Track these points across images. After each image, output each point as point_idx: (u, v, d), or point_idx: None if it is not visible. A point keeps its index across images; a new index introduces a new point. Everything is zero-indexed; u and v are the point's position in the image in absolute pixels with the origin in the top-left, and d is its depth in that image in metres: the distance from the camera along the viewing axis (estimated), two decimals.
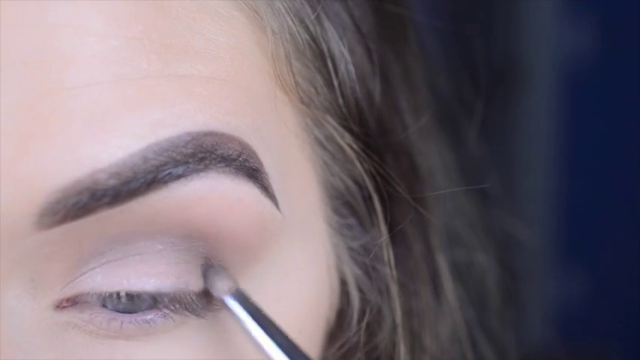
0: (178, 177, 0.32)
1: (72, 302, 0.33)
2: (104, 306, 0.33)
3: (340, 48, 0.38)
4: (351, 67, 0.38)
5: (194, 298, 0.34)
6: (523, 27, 1.88)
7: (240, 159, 0.33)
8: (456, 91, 0.51)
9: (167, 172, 0.32)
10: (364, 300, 0.40)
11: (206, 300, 0.34)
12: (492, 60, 1.87)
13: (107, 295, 0.33)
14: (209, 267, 0.34)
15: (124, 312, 0.33)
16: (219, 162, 0.33)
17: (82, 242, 0.32)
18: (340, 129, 0.39)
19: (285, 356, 0.33)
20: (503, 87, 1.87)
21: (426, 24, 0.49)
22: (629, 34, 1.82)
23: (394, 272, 0.40)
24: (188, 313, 0.34)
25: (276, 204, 0.35)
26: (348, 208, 0.40)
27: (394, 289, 0.40)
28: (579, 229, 1.87)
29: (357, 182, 0.40)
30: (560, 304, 1.87)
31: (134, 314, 0.34)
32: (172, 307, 0.34)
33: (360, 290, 0.40)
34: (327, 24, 0.38)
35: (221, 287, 0.34)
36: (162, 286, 0.34)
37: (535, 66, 1.88)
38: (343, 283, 0.40)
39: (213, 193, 0.33)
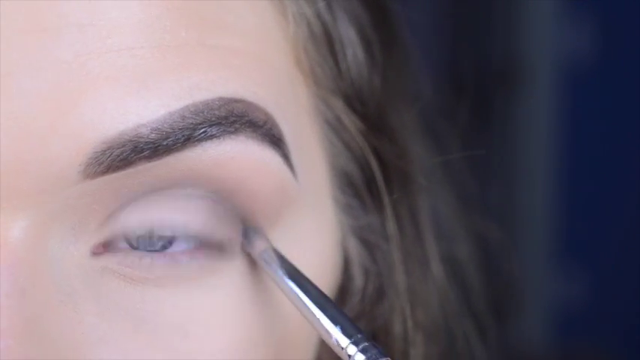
0: (212, 136, 0.35)
1: (105, 246, 0.36)
2: (132, 246, 0.36)
3: (349, 34, 0.41)
4: (359, 51, 0.42)
5: (219, 241, 0.37)
6: (523, 27, 1.89)
7: (266, 127, 0.36)
8: (449, 85, 0.52)
9: (202, 130, 0.35)
10: (366, 276, 0.42)
11: (231, 244, 0.37)
12: (492, 60, 1.87)
13: (138, 233, 0.36)
14: (246, 229, 0.37)
15: (152, 251, 0.36)
16: (248, 127, 0.36)
17: (120, 193, 0.35)
18: (346, 109, 0.41)
19: (318, 309, 0.36)
20: (503, 86, 1.87)
21: (426, 23, 0.51)
22: (629, 34, 1.82)
23: (398, 247, 0.42)
24: (215, 253, 0.37)
25: (295, 174, 0.38)
26: (351, 187, 0.42)
27: (398, 262, 0.42)
28: (579, 229, 1.87)
29: (359, 163, 0.42)
30: (560, 303, 1.88)
31: (163, 252, 0.36)
32: (200, 247, 0.36)
33: (362, 267, 0.42)
34: (337, 12, 0.41)
35: (259, 246, 0.37)
36: (191, 223, 0.36)
37: (535, 66, 1.88)
38: (346, 259, 0.42)
39: (242, 155, 0.36)
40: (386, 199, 0.42)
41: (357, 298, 0.42)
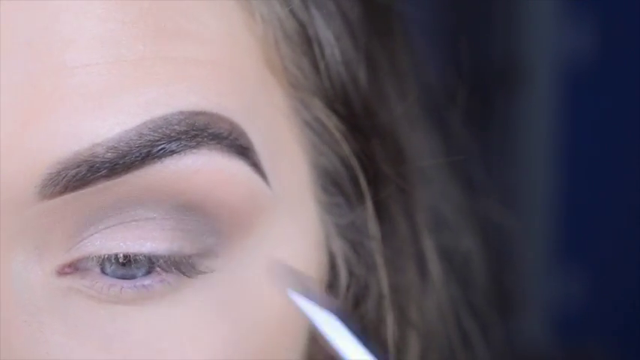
0: (171, 152, 0.34)
1: (73, 268, 0.35)
2: (104, 272, 0.35)
3: (326, 34, 0.40)
4: (337, 51, 0.40)
5: (188, 260, 0.36)
6: (523, 27, 1.89)
7: (231, 137, 0.35)
8: (449, 84, 0.52)
9: (161, 147, 0.34)
10: (351, 274, 0.42)
11: (199, 263, 0.36)
12: (492, 60, 1.87)
13: (105, 257, 0.35)
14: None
15: (122, 278, 0.35)
16: (211, 139, 0.35)
17: (81, 211, 0.34)
18: (327, 110, 0.40)
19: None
20: (503, 86, 1.87)
21: (425, 23, 0.50)
22: (629, 34, 1.82)
23: (381, 246, 0.42)
24: (183, 276, 0.36)
25: (267, 181, 0.37)
26: (336, 186, 0.42)
27: (380, 261, 0.42)
28: (579, 228, 1.87)
29: (343, 162, 0.41)
30: (560, 303, 1.88)
31: (133, 280, 0.36)
32: (167, 270, 0.36)
33: (347, 265, 0.42)
34: (314, 10, 0.40)
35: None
36: (158, 249, 0.36)
37: (535, 66, 1.88)
38: (331, 259, 0.42)
39: (206, 168, 0.35)
40: (369, 200, 0.41)
41: (342, 297, 0.42)
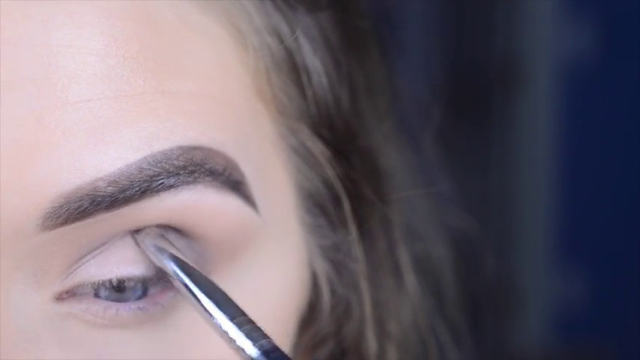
0: (169, 187, 0.35)
1: (71, 294, 0.36)
2: (98, 297, 0.36)
3: (313, 61, 0.41)
4: (324, 79, 0.41)
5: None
6: (523, 27, 1.89)
7: (226, 173, 0.36)
8: (451, 90, 0.52)
9: (160, 182, 0.35)
10: (334, 293, 0.43)
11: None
12: (492, 60, 1.88)
13: (100, 282, 0.36)
14: (142, 235, 0.37)
15: (117, 302, 0.36)
16: (207, 175, 0.36)
17: (79, 240, 0.35)
18: (312, 136, 0.41)
19: (218, 310, 0.35)
20: (504, 86, 1.87)
21: (426, 23, 0.51)
22: (629, 34, 1.82)
23: (364, 268, 0.43)
24: (175, 298, 0.37)
25: (257, 210, 0.38)
26: (319, 208, 0.42)
27: (363, 283, 0.43)
28: (579, 228, 1.88)
29: (327, 185, 0.42)
30: (560, 303, 1.88)
31: (128, 302, 0.36)
32: (161, 294, 0.37)
33: (330, 284, 0.43)
34: (301, 39, 0.41)
35: (149, 235, 0.37)
36: (149, 272, 0.36)
37: (535, 65, 1.88)
38: (314, 278, 0.42)
39: (199, 203, 0.36)
40: (351, 222, 0.42)
41: (326, 318, 0.42)
